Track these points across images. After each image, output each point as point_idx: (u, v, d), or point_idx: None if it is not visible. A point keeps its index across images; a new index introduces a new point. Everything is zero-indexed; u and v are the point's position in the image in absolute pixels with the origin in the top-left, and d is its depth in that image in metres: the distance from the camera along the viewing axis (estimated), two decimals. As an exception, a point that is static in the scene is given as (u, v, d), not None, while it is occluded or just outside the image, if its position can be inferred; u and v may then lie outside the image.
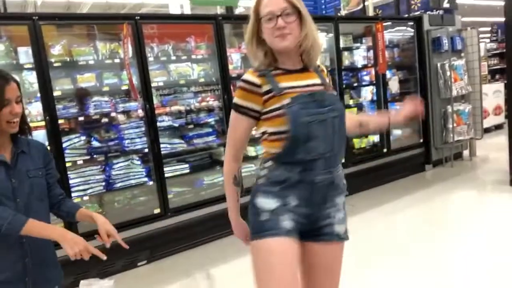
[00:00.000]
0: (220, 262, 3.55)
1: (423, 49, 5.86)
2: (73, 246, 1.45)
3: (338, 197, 1.59)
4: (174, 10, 8.38)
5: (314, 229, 1.57)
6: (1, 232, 1.38)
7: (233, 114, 1.55)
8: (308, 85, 1.53)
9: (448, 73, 5.80)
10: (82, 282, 3.27)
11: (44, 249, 1.57)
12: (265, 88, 1.49)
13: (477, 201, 4.62)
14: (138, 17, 3.55)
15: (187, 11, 6.66)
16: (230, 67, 4.26)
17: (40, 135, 3.30)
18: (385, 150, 5.38)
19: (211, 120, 4.22)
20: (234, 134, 1.58)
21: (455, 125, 5.87)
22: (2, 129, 1.45)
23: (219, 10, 6.54)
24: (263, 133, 1.55)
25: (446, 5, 6.20)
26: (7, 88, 1.43)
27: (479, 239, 3.55)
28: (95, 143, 3.63)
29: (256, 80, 1.50)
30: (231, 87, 4.17)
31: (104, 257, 1.55)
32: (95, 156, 3.60)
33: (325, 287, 1.65)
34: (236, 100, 1.53)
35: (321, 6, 7.06)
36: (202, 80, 4.15)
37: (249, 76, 1.52)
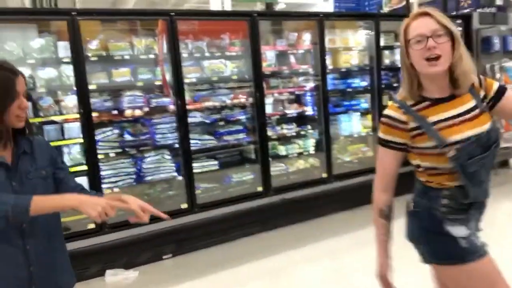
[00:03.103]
0: (245, 260, 3.53)
1: (471, 49, 5.51)
2: (94, 206, 1.33)
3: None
4: (215, 6, 8.41)
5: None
6: (10, 218, 1.29)
7: (380, 149, 1.58)
8: (462, 113, 1.47)
9: (498, 75, 5.43)
10: (108, 271, 3.43)
11: (52, 254, 1.51)
12: (412, 124, 1.48)
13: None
14: (173, 13, 3.57)
15: (228, 7, 6.65)
16: (264, 64, 4.21)
17: (74, 127, 3.42)
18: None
19: (242, 117, 4.20)
20: (382, 166, 1.59)
21: (503, 130, 5.50)
22: (9, 124, 1.40)
23: (259, 7, 6.53)
24: (418, 166, 1.56)
25: (499, 2, 5.79)
26: (17, 81, 1.39)
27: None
28: (128, 137, 3.71)
29: (402, 117, 1.49)
30: (264, 85, 4.13)
31: (131, 206, 1.44)
32: (127, 149, 3.67)
33: None
34: (380, 134, 1.56)
35: (364, 3, 6.81)
36: (235, 77, 4.13)
37: (393, 112, 1.51)
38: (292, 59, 4.54)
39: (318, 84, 4.42)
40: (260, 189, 4.07)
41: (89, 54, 3.48)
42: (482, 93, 1.53)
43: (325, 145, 4.44)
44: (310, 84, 4.55)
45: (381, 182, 1.59)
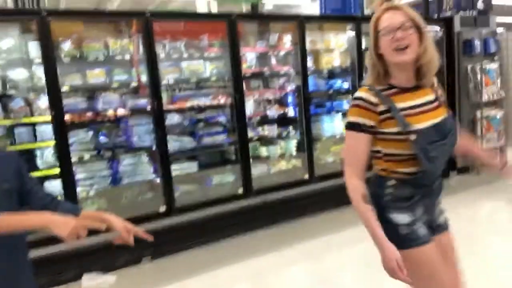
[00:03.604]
0: (225, 263, 3.45)
1: (453, 51, 5.55)
2: (64, 226, 1.28)
3: (440, 196, 1.72)
4: (201, 6, 8.39)
5: (433, 226, 1.68)
6: None
7: (350, 133, 1.57)
8: (424, 104, 1.57)
9: (479, 77, 5.46)
10: (84, 275, 3.32)
11: (14, 267, 1.42)
12: (382, 107, 1.53)
13: (504, 214, 4.30)
14: (149, 14, 3.51)
15: (214, 7, 6.63)
16: (244, 66, 4.17)
17: (47, 130, 3.32)
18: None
19: (222, 118, 4.14)
20: (355, 153, 1.57)
21: (484, 131, 5.52)
22: None
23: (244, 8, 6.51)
24: (377, 151, 1.60)
25: (480, 6, 5.84)
26: None
27: (507, 255, 3.29)
28: (103, 139, 3.63)
29: (372, 98, 1.53)
30: (244, 86, 4.08)
31: (103, 227, 1.41)
32: (102, 151, 3.58)
33: (456, 270, 1.74)
34: (352, 118, 1.56)
35: (350, 5, 6.76)
36: (214, 78, 4.08)
37: (364, 94, 1.55)
38: (273, 60, 4.51)
39: (299, 85, 4.38)
40: (241, 191, 4.00)
41: (62, 55, 3.41)
42: (439, 93, 1.65)
43: (306, 146, 4.40)
44: (292, 85, 4.52)
45: (356, 169, 1.56)
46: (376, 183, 1.62)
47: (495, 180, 5.43)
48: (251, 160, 4.10)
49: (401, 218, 1.57)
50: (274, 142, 4.48)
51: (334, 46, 4.77)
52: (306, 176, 4.38)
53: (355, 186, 1.55)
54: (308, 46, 4.45)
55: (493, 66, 5.67)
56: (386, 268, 1.50)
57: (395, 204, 1.58)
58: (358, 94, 1.56)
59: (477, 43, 5.54)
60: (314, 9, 5.92)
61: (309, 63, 4.55)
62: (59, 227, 1.27)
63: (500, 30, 5.99)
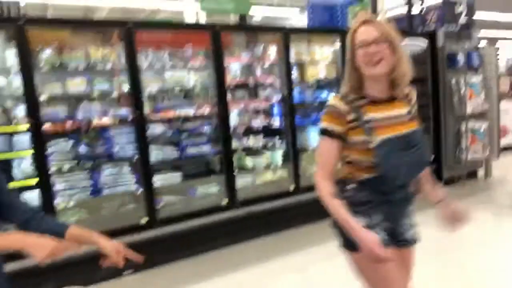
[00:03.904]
0: (209, 276, 3.36)
1: (437, 64, 5.63)
2: (41, 248, 1.25)
3: (409, 208, 1.75)
4: (189, 17, 8.37)
5: (395, 237, 1.71)
6: None
7: (322, 138, 1.63)
8: (394, 117, 1.62)
9: (463, 90, 5.52)
10: (65, 289, 3.18)
11: None
12: (351, 116, 1.59)
13: (490, 225, 4.29)
14: (131, 24, 3.48)
15: (203, 18, 6.61)
16: (229, 76, 4.16)
17: (24, 139, 3.24)
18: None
19: (206, 129, 4.09)
20: (326, 157, 1.64)
21: (469, 143, 5.55)
22: None
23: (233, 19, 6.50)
24: (344, 156, 1.66)
25: (463, 20, 5.95)
26: None
27: (492, 267, 3.26)
28: (83, 149, 3.54)
29: (343, 107, 1.59)
30: (229, 96, 4.06)
31: (105, 249, 1.41)
32: (82, 161, 3.50)
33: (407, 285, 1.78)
34: (324, 125, 1.62)
35: (337, 18, 6.82)
36: (198, 88, 4.05)
37: (336, 102, 1.61)
38: (258, 71, 4.50)
39: (285, 96, 4.37)
40: (225, 202, 3.93)
41: (42, 63, 3.35)
42: (414, 108, 1.71)
43: (292, 157, 4.36)
44: (277, 96, 4.51)
45: (327, 172, 1.63)
46: (338, 186, 1.67)
47: (480, 192, 5.46)
48: (236, 171, 4.04)
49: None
50: (260, 152, 4.44)
51: (320, 58, 4.79)
52: (292, 187, 4.33)
53: (325, 186, 1.62)
54: (293, 57, 4.46)
55: (476, 79, 5.75)
56: (367, 253, 1.52)
57: (353, 208, 1.61)
58: (330, 101, 1.63)
59: (461, 57, 5.63)
60: (302, 22, 5.96)
61: (295, 74, 4.55)
62: (35, 250, 1.24)
63: (482, 44, 6.10)
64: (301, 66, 4.75)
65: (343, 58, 4.71)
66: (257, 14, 14.33)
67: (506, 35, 13.03)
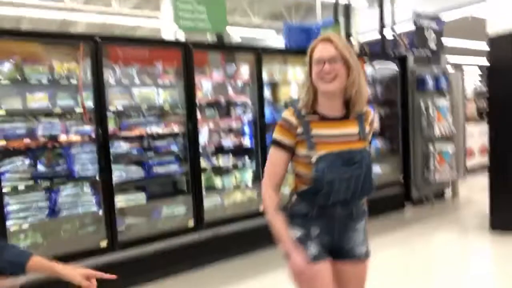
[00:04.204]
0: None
1: (406, 87, 5.75)
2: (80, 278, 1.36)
3: (359, 223, 1.72)
4: (166, 34, 8.27)
5: (341, 252, 1.71)
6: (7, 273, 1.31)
7: (272, 149, 1.70)
8: (341, 135, 1.65)
9: (432, 112, 5.64)
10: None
11: None
12: (299, 130, 1.64)
13: (457, 246, 4.33)
14: (99, 38, 3.37)
15: (181, 36, 6.51)
16: (200, 94, 4.08)
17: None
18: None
19: (174, 147, 3.97)
20: (273, 168, 1.69)
21: (437, 164, 5.65)
22: None
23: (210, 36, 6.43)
24: (293, 169, 1.72)
25: (432, 45, 6.13)
26: None
27: (459, 286, 3.25)
28: (41, 168, 3.36)
29: (294, 120, 1.65)
30: (199, 115, 3.97)
31: (72, 279, 1.40)
32: (39, 181, 3.31)
33: None
34: (275, 136, 1.69)
35: (297, 37, 6.86)
36: (167, 106, 3.94)
37: (288, 115, 1.67)
38: (230, 90, 4.44)
39: (256, 115, 4.32)
40: (191, 223, 3.80)
41: (0, 77, 3.19)
42: (367, 129, 1.71)
43: (262, 177, 4.28)
44: (248, 116, 4.45)
45: (273, 182, 1.69)
46: (289, 197, 1.74)
47: (448, 212, 5.54)
48: (203, 191, 3.93)
49: (294, 232, 1.66)
50: (229, 172, 4.35)
51: (292, 78, 4.78)
52: (262, 208, 4.23)
53: (270, 195, 1.68)
54: (266, 77, 4.44)
55: (444, 102, 5.90)
56: (290, 271, 1.63)
57: (292, 219, 1.68)
58: (283, 115, 1.69)
59: (429, 80, 5.77)
60: (279, 43, 5.99)
61: (267, 94, 4.52)
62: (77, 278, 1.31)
63: (450, 68, 6.29)
64: (274, 86, 4.73)
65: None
66: (235, 34, 14.54)
67: (472, 62, 13.57)
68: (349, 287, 1.76)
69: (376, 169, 5.45)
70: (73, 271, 1.38)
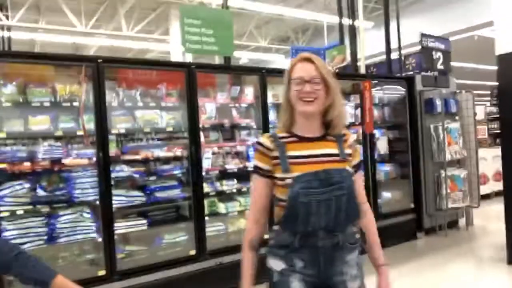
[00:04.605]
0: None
1: (415, 109, 5.63)
2: None
3: (349, 255, 1.58)
4: (176, 57, 8.29)
5: (330, 285, 1.57)
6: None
7: (252, 176, 1.64)
8: (319, 155, 1.57)
9: (442, 136, 5.50)
10: None
11: None
12: (275, 153, 1.58)
13: (472, 279, 4.11)
14: (101, 60, 3.34)
15: (189, 58, 6.55)
16: (204, 117, 4.02)
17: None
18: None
19: (177, 172, 3.87)
20: (255, 196, 1.63)
21: (449, 191, 5.47)
22: None
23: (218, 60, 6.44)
24: (273, 196, 1.63)
25: (440, 66, 6.05)
26: None
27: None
28: (40, 192, 3.28)
29: (269, 144, 1.60)
30: (203, 138, 3.89)
31: None
32: (38, 206, 3.22)
33: None
34: (254, 162, 1.64)
35: None
36: (170, 129, 3.87)
37: (263, 139, 1.63)
38: (234, 112, 4.37)
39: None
40: (193, 252, 3.66)
41: (2, 99, 3.15)
42: (348, 151, 1.62)
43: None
44: (253, 139, 4.36)
45: (255, 211, 1.63)
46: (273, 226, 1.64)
47: (463, 242, 5.30)
48: (207, 217, 3.80)
49: (275, 264, 1.57)
50: (233, 198, 4.22)
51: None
52: (267, 236, 4.09)
53: (248, 229, 1.63)
54: (270, 99, 4.37)
55: (454, 125, 5.77)
56: None
57: (274, 250, 1.58)
58: (259, 139, 1.66)
59: (438, 102, 5.65)
60: (286, 66, 5.98)
61: (272, 116, 4.44)
62: None
63: (459, 91, 6.16)
64: (279, 107, 4.63)
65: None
66: (243, 57, 14.71)
67: (481, 83, 13.45)
68: None
69: (386, 195, 5.29)
70: None
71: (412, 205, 5.45)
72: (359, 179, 1.68)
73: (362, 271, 1.63)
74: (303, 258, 1.54)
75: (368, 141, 5.08)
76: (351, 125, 5.13)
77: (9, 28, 10.02)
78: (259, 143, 1.63)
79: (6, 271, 1.35)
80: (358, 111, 5.17)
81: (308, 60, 1.58)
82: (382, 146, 5.37)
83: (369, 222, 1.70)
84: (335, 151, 1.59)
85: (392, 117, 5.74)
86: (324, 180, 1.50)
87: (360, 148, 5.12)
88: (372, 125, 5.03)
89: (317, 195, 1.49)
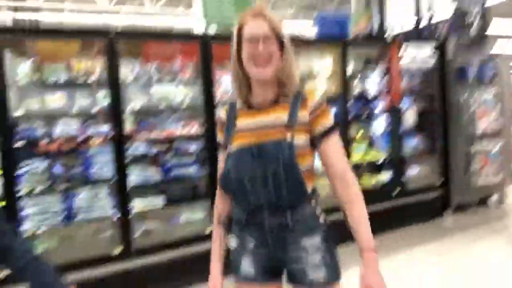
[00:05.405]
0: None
1: (446, 78, 5.27)
2: None
3: (306, 240, 1.41)
4: (198, 32, 8.02)
5: (288, 272, 1.46)
6: None
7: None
8: (260, 126, 1.42)
9: (474, 107, 5.16)
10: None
11: None
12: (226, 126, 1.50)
13: (502, 260, 3.91)
14: (114, 33, 3.23)
15: (212, 32, 6.33)
16: (220, 90, 3.87)
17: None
18: (397, 190, 4.75)
19: (193, 148, 3.79)
20: (218, 169, 1.55)
21: (480, 166, 5.18)
22: None
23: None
24: None
25: (475, 30, 5.59)
26: None
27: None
28: (58, 170, 3.28)
29: (223, 116, 1.53)
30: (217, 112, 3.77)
31: None
32: (56, 184, 3.23)
33: None
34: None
35: (347, 29, 6.37)
36: (187, 104, 3.75)
37: (221, 112, 1.55)
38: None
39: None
40: (209, 230, 3.62)
41: (19, 77, 3.12)
42: (304, 115, 1.41)
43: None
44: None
45: (219, 187, 1.55)
46: None
47: (494, 220, 5.06)
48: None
49: (231, 241, 1.51)
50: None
51: (319, 71, 4.49)
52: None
53: (216, 204, 1.59)
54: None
55: (489, 95, 5.39)
56: None
57: (232, 227, 1.51)
58: (219, 111, 1.62)
59: (472, 70, 5.27)
60: (312, 33, 5.66)
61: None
62: None
63: (496, 56, 5.71)
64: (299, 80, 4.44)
65: (343, 71, 4.43)
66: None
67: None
68: None
69: (412, 171, 5.07)
70: None
71: (441, 181, 5.20)
72: (329, 148, 1.43)
73: (333, 261, 1.44)
74: (253, 235, 1.44)
75: (395, 113, 4.83)
76: (376, 97, 4.87)
77: (36, 10, 10.05)
78: (218, 116, 1.56)
79: (20, 274, 1.34)
80: (385, 80, 4.89)
81: (260, 15, 1.39)
82: (409, 118, 5.10)
83: (349, 201, 1.42)
84: (282, 118, 1.40)
85: (421, 87, 5.39)
86: (257, 155, 1.36)
87: (386, 120, 4.87)
88: (399, 95, 4.76)
89: (249, 171, 1.37)
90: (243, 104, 1.48)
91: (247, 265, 1.46)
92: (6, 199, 2.96)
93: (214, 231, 1.56)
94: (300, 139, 1.39)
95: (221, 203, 1.57)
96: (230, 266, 1.54)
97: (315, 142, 1.43)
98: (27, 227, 3.08)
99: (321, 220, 1.45)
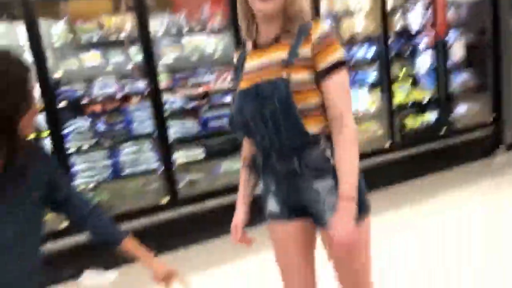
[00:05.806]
0: (232, 259, 3.18)
1: (499, 7, 4.79)
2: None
3: (318, 183, 1.36)
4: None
5: (311, 214, 1.44)
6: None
7: None
8: (260, 66, 1.37)
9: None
10: (85, 272, 3.18)
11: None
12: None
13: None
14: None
15: None
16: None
17: (39, 121, 3.14)
18: (444, 129, 4.54)
19: (228, 99, 3.78)
20: None
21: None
22: (21, 135, 1.13)
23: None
24: None
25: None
26: (31, 79, 1.15)
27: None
28: (101, 127, 3.40)
29: (235, 59, 1.51)
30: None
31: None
32: (101, 141, 3.37)
33: (338, 273, 1.51)
34: None
35: None
36: (219, 54, 3.69)
37: (235, 55, 1.52)
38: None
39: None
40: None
41: (54, 39, 3.18)
42: (305, 51, 1.31)
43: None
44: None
45: None
46: None
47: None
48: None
49: (260, 184, 1.52)
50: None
51: (355, 8, 4.22)
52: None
53: (243, 147, 1.60)
54: (324, 8, 3.94)
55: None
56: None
57: (257, 170, 1.51)
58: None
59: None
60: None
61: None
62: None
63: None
64: (335, 19, 4.21)
65: (382, 7, 4.13)
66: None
67: None
68: (331, 256, 1.48)
69: (461, 108, 4.79)
70: (160, 267, 1.46)
71: (492, 118, 4.89)
72: (330, 88, 1.30)
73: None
74: (271, 179, 1.45)
75: (441, 48, 4.50)
76: (419, 32, 4.55)
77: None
78: (234, 60, 1.52)
79: (80, 225, 1.38)
80: (429, 12, 4.52)
81: None
82: (457, 52, 4.74)
83: (337, 145, 1.32)
84: (282, 56, 1.32)
85: (469, 18, 4.95)
86: (255, 96, 1.32)
87: (431, 57, 4.57)
88: (446, 27, 4.41)
89: (249, 113, 1.34)
90: (252, 45, 1.43)
91: (273, 205, 1.47)
92: (57, 157, 3.12)
93: (241, 173, 1.59)
94: (299, 76, 1.29)
95: (245, 147, 1.57)
96: (260, 211, 1.54)
97: (318, 80, 1.32)
98: (78, 182, 3.26)
99: (331, 161, 1.34)
